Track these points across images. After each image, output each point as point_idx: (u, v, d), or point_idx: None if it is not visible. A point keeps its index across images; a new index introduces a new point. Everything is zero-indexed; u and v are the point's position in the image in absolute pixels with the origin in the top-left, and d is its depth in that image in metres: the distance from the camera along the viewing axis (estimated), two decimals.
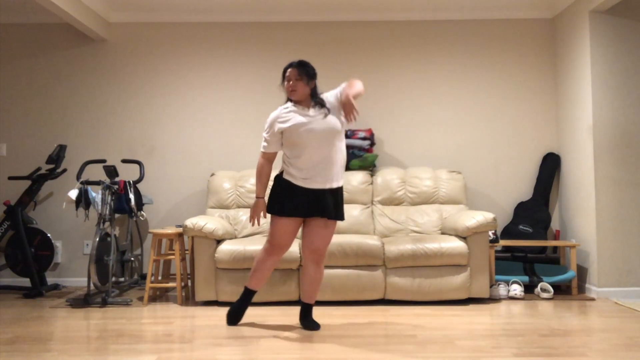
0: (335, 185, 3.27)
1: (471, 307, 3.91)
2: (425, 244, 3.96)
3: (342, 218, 3.34)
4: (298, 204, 3.24)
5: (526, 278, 4.34)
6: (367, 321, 3.51)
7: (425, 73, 5.03)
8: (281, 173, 3.32)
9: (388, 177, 4.71)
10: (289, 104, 3.32)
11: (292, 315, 3.64)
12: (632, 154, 4.32)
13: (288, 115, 3.26)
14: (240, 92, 5.04)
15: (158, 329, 3.35)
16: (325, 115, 3.21)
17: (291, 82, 3.26)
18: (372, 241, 3.98)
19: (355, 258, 3.94)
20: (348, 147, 4.71)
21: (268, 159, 3.36)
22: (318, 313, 3.69)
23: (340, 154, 3.29)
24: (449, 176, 4.71)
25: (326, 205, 3.25)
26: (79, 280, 4.89)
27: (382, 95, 5.02)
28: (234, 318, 3.47)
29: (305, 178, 3.23)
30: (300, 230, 3.37)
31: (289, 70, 3.29)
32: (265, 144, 3.32)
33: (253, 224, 3.36)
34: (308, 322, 3.38)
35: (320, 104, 3.26)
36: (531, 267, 4.47)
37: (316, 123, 3.20)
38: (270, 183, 3.48)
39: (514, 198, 4.96)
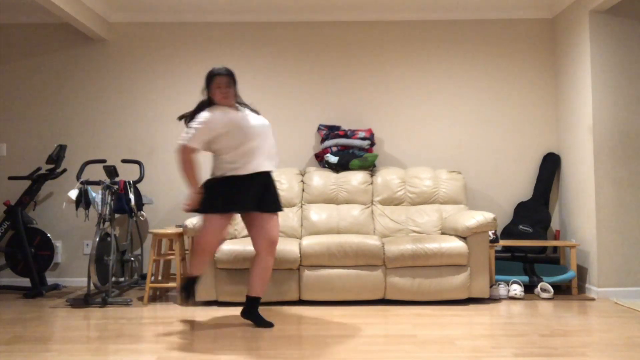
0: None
1: (471, 307, 3.91)
2: (425, 244, 3.96)
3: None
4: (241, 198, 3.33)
5: (526, 278, 4.34)
6: (367, 321, 3.51)
7: (425, 73, 5.03)
8: (212, 178, 3.37)
9: (388, 177, 4.71)
10: (214, 107, 3.35)
11: (292, 315, 3.64)
12: (632, 154, 4.32)
13: (227, 115, 3.34)
14: (240, 92, 5.02)
15: (158, 329, 3.35)
16: (254, 112, 3.49)
17: (222, 89, 3.35)
18: (372, 241, 3.98)
19: (355, 258, 3.94)
20: (348, 147, 4.71)
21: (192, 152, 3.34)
22: (318, 313, 3.70)
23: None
24: (449, 176, 4.71)
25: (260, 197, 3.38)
26: (79, 280, 4.89)
27: (382, 95, 5.02)
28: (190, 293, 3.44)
29: (238, 167, 3.30)
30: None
31: (218, 77, 3.35)
32: (190, 136, 3.27)
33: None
34: (259, 318, 3.39)
35: (243, 104, 3.53)
36: (531, 267, 4.47)
37: (252, 118, 3.41)
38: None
39: (514, 198, 4.96)
